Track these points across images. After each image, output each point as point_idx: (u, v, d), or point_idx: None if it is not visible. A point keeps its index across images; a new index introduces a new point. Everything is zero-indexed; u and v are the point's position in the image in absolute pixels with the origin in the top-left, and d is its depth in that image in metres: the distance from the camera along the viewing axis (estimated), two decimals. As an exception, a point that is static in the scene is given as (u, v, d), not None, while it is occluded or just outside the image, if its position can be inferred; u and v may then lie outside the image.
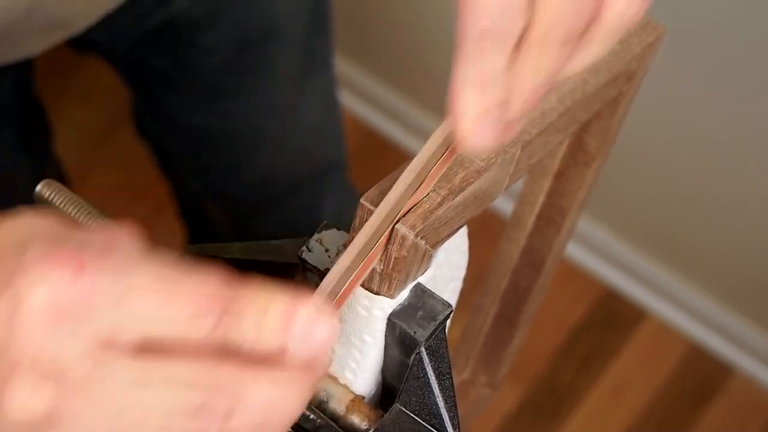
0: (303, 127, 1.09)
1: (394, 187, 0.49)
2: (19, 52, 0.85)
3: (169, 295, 0.39)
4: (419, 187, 0.50)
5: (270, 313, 0.40)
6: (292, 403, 0.41)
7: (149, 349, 0.39)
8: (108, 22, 0.88)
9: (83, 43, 0.95)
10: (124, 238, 0.41)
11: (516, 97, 0.45)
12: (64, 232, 0.42)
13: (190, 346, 0.40)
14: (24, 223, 0.42)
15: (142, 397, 0.39)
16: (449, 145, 0.50)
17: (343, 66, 1.76)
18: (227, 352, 0.40)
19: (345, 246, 0.54)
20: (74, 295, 0.39)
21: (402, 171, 0.50)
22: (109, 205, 1.66)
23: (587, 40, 0.46)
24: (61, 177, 1.10)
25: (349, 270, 0.48)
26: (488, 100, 0.45)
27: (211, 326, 0.40)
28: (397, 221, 0.50)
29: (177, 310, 0.39)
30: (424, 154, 0.49)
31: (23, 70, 0.96)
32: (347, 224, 0.52)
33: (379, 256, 0.50)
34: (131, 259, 0.40)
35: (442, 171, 0.51)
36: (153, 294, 0.39)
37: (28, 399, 0.38)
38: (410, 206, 0.50)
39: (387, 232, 0.50)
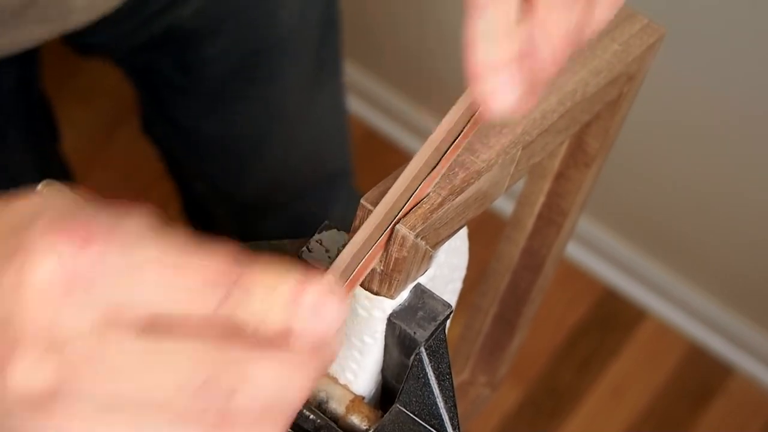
0: (311, 134, 1.09)
1: (409, 165, 0.49)
2: (11, 44, 0.84)
3: (178, 268, 0.39)
4: (435, 167, 0.50)
5: (279, 290, 0.40)
6: (297, 386, 0.40)
7: (155, 326, 0.39)
8: (111, 25, 0.88)
9: (87, 47, 0.95)
10: (133, 215, 0.41)
11: (542, 52, 0.45)
12: (74, 207, 0.41)
13: (197, 322, 0.39)
14: (35, 199, 0.42)
15: (146, 372, 0.39)
16: (468, 119, 0.50)
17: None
18: (234, 332, 0.40)
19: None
20: (81, 267, 0.38)
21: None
22: (109, 205, 1.66)
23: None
24: (66, 176, 1.10)
25: (362, 250, 0.47)
26: (506, 52, 0.44)
27: (218, 300, 0.39)
28: (399, 219, 0.50)
29: (185, 283, 0.39)
30: (444, 124, 0.49)
31: (26, 68, 0.96)
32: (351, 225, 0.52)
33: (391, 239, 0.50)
34: (140, 233, 0.40)
35: (461, 147, 0.51)
36: (161, 267, 0.39)
37: (31, 373, 0.38)
38: (427, 186, 0.50)
39: (401, 212, 0.50)
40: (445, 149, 0.50)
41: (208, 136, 1.06)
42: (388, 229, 0.49)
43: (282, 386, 0.40)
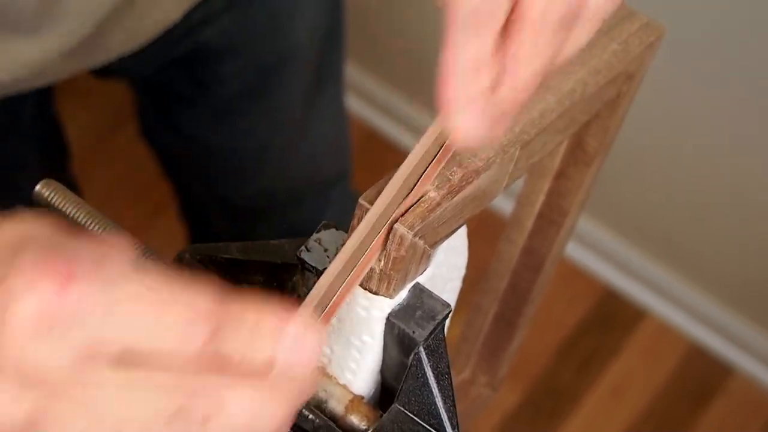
0: (311, 140, 1.09)
1: (386, 189, 0.49)
2: (45, 80, 0.85)
3: (161, 307, 0.39)
4: (413, 188, 0.50)
5: (260, 328, 0.41)
6: (271, 415, 0.41)
7: (132, 358, 0.39)
8: (137, 53, 0.88)
9: (107, 72, 0.95)
10: (118, 249, 0.41)
11: (511, 83, 0.45)
12: (60, 239, 0.41)
13: (179, 358, 0.40)
14: (21, 225, 0.42)
15: (122, 404, 0.39)
16: (441, 145, 0.50)
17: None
18: (216, 364, 0.40)
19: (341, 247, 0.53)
20: (62, 305, 0.38)
21: (395, 173, 0.50)
22: (109, 205, 1.67)
23: (576, 27, 0.47)
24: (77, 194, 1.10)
25: (338, 279, 0.48)
26: (480, 85, 0.45)
27: (202, 341, 0.40)
28: (393, 224, 0.50)
29: (168, 323, 0.39)
30: (416, 153, 0.49)
31: (44, 92, 0.95)
32: (348, 226, 0.52)
33: (368, 267, 0.50)
34: (124, 269, 0.40)
35: (437, 172, 0.51)
36: (144, 305, 0.39)
37: (8, 404, 0.38)
38: (404, 209, 0.50)
39: (379, 238, 0.50)
40: (419, 174, 0.50)
41: (210, 145, 1.06)
42: (363, 259, 0.49)
43: (256, 415, 0.40)
